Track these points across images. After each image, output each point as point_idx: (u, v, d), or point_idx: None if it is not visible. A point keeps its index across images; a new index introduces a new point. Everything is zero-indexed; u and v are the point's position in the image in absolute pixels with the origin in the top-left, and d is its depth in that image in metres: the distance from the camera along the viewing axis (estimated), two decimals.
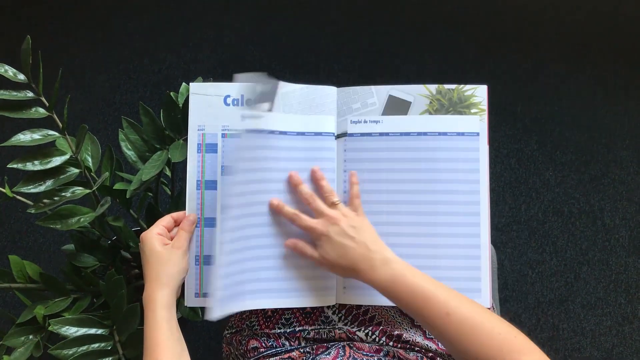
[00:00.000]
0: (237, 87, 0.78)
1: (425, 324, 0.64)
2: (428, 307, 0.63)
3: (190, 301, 0.76)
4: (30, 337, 0.84)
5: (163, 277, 0.70)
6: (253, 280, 0.76)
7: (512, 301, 1.53)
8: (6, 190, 0.83)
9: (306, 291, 0.77)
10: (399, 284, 0.65)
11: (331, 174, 0.78)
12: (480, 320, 0.61)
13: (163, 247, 0.71)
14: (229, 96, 0.77)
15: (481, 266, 0.76)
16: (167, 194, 1.02)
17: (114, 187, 0.87)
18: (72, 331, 0.79)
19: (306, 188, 0.75)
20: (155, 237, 0.71)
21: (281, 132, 0.77)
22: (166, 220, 0.74)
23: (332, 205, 0.73)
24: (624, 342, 1.49)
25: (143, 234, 0.72)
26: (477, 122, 0.78)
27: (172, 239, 0.74)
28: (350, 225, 0.70)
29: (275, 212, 0.75)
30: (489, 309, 0.75)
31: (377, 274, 0.67)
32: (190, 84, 0.77)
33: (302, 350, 0.76)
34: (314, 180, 0.76)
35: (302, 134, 0.78)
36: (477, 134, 0.77)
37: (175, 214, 0.76)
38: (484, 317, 0.61)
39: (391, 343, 0.77)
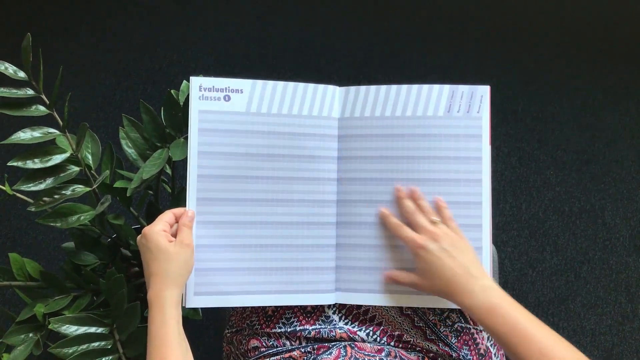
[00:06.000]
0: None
1: (515, 358, 0.63)
2: (523, 344, 0.61)
3: (190, 301, 0.76)
4: (30, 335, 0.84)
5: (172, 275, 0.68)
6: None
7: None
8: (6, 188, 0.83)
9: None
10: (496, 314, 0.63)
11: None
12: None
13: (170, 244, 0.70)
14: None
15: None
16: (167, 192, 1.02)
17: (114, 185, 0.87)
18: (72, 329, 0.79)
19: (410, 203, 0.75)
20: (160, 233, 0.70)
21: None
22: (168, 216, 0.73)
23: (432, 223, 0.72)
24: (624, 341, 1.49)
25: (146, 229, 0.70)
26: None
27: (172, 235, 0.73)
28: (451, 244, 0.69)
29: (382, 220, 0.76)
30: None
31: (475, 301, 0.65)
32: (191, 78, 0.77)
33: (303, 350, 0.76)
34: (414, 199, 0.76)
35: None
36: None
37: (177, 210, 0.75)
38: (577, 358, 0.60)
39: (392, 343, 0.77)
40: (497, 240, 1.55)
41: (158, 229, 0.70)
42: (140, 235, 0.72)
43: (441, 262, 0.68)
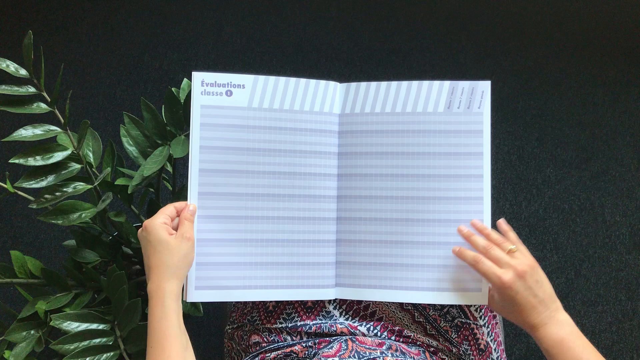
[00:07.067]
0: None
1: None
2: None
3: (191, 296, 0.76)
4: (32, 332, 0.84)
5: (172, 268, 0.68)
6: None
7: None
8: (7, 186, 0.83)
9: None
10: (566, 348, 0.66)
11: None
12: None
13: (171, 237, 0.70)
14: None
15: None
16: (168, 190, 1.02)
17: (115, 183, 0.87)
18: (74, 326, 0.80)
19: (480, 238, 0.74)
20: (161, 225, 0.70)
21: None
22: (169, 209, 0.73)
23: (510, 252, 0.72)
24: (624, 339, 1.49)
25: (147, 222, 0.71)
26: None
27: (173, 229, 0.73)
28: (535, 280, 0.70)
29: (457, 254, 0.75)
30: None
31: (547, 333, 0.67)
32: (194, 73, 0.77)
33: (304, 345, 0.76)
34: (478, 230, 0.75)
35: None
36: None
37: (178, 204, 0.75)
38: None
39: (393, 338, 0.77)
40: None
41: (159, 222, 0.70)
42: (141, 228, 0.72)
43: (525, 300, 0.68)
